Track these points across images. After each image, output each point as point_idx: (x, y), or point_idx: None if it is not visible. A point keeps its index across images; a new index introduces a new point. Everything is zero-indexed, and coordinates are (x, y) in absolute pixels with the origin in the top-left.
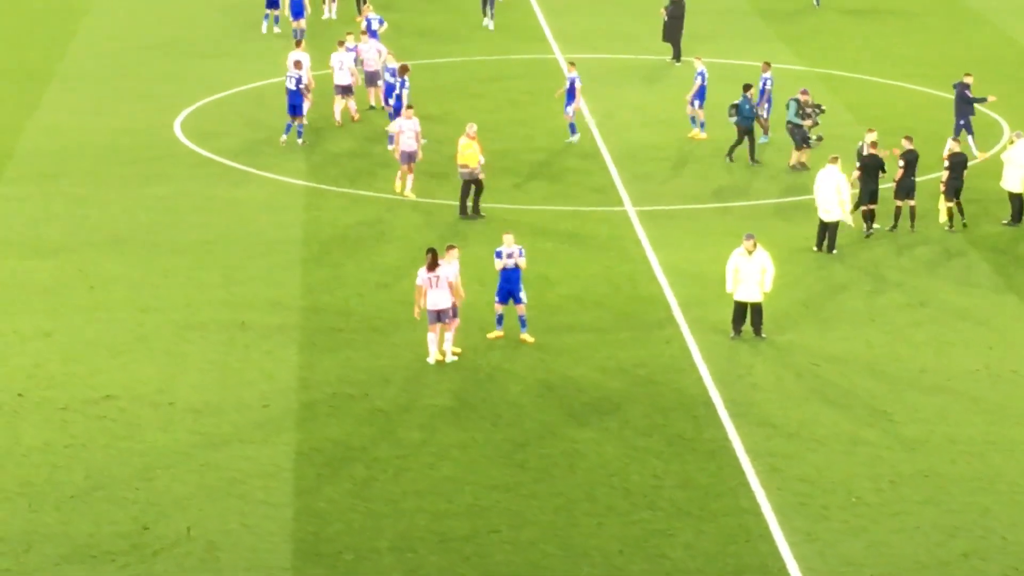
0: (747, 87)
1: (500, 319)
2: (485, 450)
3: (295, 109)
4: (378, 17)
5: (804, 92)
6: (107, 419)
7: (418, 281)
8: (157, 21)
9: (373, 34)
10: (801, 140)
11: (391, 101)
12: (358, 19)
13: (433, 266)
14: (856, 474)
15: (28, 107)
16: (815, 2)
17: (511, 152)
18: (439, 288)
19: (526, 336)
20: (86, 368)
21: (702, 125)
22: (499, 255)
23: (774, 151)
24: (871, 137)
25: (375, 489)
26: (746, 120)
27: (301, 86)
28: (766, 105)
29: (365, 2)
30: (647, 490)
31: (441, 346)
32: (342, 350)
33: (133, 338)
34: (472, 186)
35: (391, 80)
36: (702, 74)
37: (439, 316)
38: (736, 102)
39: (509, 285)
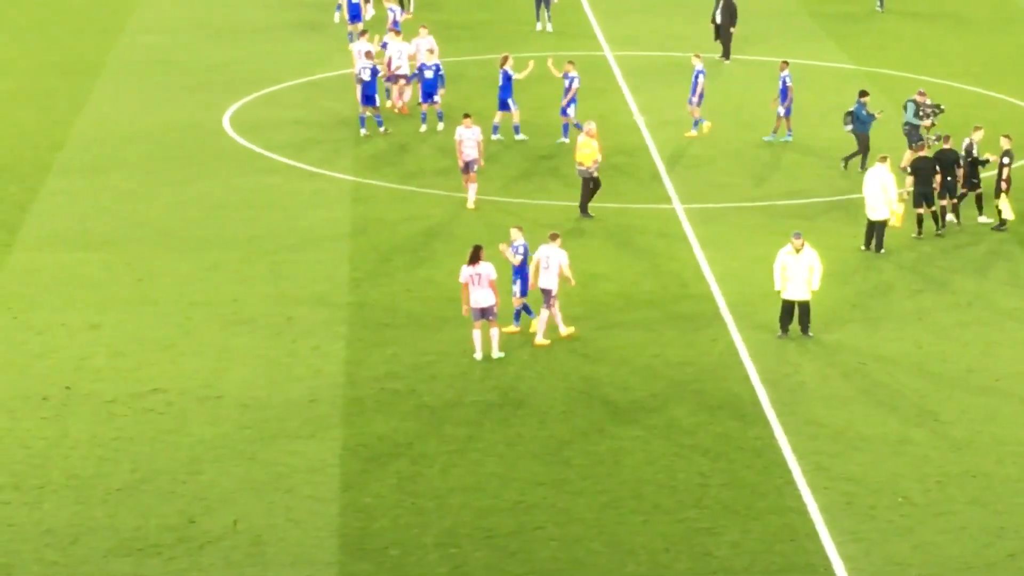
0: (863, 93)
1: (528, 309)
2: (531, 447)
3: (369, 100)
4: (399, 8)
5: (921, 93)
6: (154, 412)
7: (461, 278)
8: (207, 15)
9: (396, 25)
10: (918, 141)
11: (436, 98)
12: (407, 15)
13: (474, 261)
14: (903, 474)
15: (78, 101)
16: (879, 7)
17: (559, 149)
18: (480, 286)
19: (514, 328)
20: (134, 362)
21: (696, 124)
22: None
23: (822, 150)
24: (978, 136)
25: (421, 485)
26: (863, 126)
27: (378, 75)
28: (783, 104)
29: None
30: (693, 488)
31: (487, 343)
32: (389, 346)
33: (181, 332)
34: (589, 184)
35: (429, 76)
36: (701, 72)
37: (483, 313)
38: (851, 109)
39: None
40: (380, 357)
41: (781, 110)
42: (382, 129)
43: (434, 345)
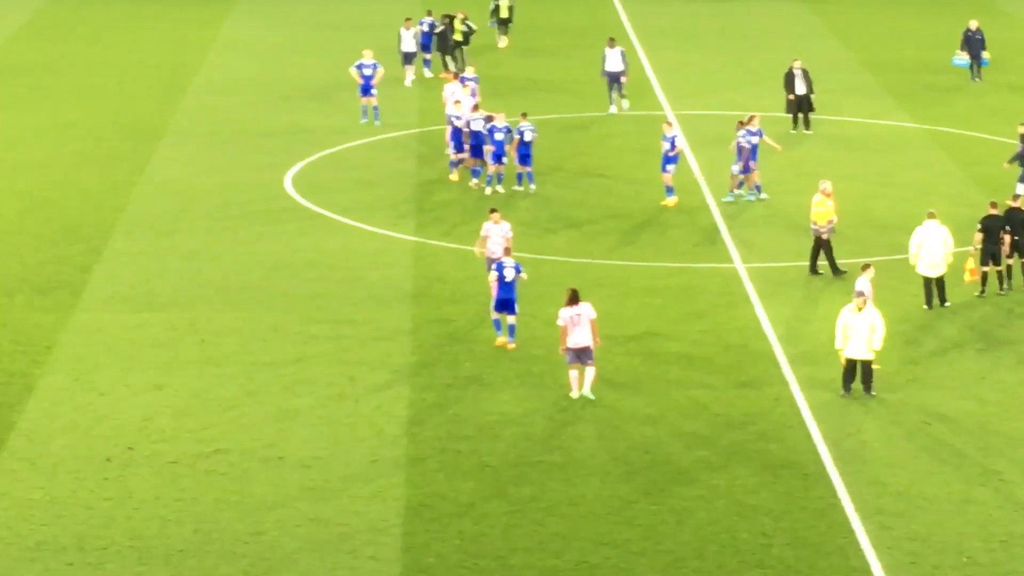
0: None
1: (498, 325)
2: (594, 506)
3: (477, 151)
4: (473, 76)
5: None
6: (217, 473)
7: (560, 321)
8: (270, 76)
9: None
10: None
11: (503, 160)
12: (444, 75)
13: (573, 302)
14: (967, 534)
15: (141, 162)
16: (977, 78)
17: (619, 207)
18: (580, 326)
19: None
20: (197, 422)
21: (668, 191)
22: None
23: (882, 209)
24: None
25: (483, 545)
26: None
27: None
28: (740, 163)
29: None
30: (756, 548)
31: (582, 383)
32: (451, 406)
33: (243, 392)
34: (820, 243)
35: (499, 138)
36: (671, 139)
37: (579, 355)
38: None
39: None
40: (442, 417)
41: (736, 168)
42: (475, 182)
43: (496, 405)
